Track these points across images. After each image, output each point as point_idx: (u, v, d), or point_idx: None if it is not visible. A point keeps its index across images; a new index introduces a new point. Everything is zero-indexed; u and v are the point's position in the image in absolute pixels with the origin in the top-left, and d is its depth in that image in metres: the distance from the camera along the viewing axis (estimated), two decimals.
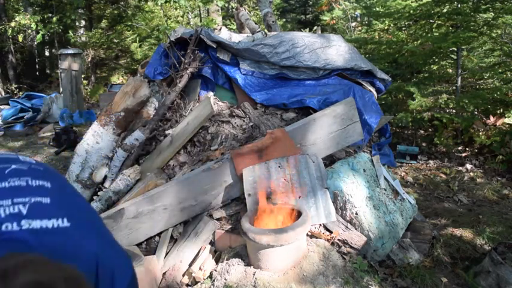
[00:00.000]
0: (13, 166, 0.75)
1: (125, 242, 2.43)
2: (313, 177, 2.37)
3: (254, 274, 2.01)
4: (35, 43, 12.41)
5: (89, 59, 11.70)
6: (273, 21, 4.25)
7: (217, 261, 2.32)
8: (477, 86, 5.66)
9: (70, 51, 8.30)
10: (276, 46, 2.99)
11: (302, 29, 11.25)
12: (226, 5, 12.91)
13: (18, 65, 12.28)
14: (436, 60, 5.67)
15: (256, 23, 4.13)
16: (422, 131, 5.96)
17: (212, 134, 2.94)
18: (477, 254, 2.66)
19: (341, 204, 2.37)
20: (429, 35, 5.39)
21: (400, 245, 2.46)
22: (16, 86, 10.94)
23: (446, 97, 4.94)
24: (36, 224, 0.67)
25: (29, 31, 11.28)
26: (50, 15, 9.87)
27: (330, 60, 3.04)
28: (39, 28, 9.39)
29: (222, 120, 2.99)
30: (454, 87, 5.27)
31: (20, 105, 7.49)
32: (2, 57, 11.75)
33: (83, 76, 10.01)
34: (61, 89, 8.81)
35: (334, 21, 9.85)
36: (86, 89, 11.05)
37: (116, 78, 12.80)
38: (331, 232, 2.29)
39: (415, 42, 5.62)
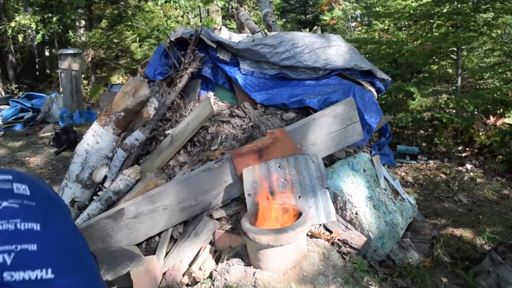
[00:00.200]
0: (4, 204, 0.72)
1: (125, 242, 2.43)
2: (313, 177, 2.37)
3: (254, 274, 2.01)
4: (35, 43, 12.42)
5: (89, 59, 11.70)
6: (273, 21, 4.25)
7: (217, 261, 2.32)
8: (477, 86, 5.66)
9: (70, 51, 8.30)
10: (276, 46, 2.99)
11: (302, 29, 11.25)
12: (226, 5, 12.92)
13: (18, 65, 12.28)
14: (436, 60, 5.67)
15: (256, 23, 4.13)
16: (422, 131, 5.96)
17: (212, 134, 2.94)
18: (477, 254, 2.66)
19: (341, 204, 2.37)
20: (429, 35, 5.39)
21: (400, 245, 2.46)
22: (16, 86, 10.95)
23: (446, 97, 4.94)
24: (19, 275, 0.65)
25: (29, 31, 11.29)
26: (50, 15, 9.88)
27: (330, 60, 3.04)
28: (39, 28, 9.40)
29: (222, 120, 2.99)
30: (454, 87, 5.28)
31: (20, 105, 7.49)
32: (2, 57, 11.75)
33: (83, 76, 10.01)
34: (61, 89, 8.81)
35: (334, 21, 9.85)
36: (86, 89, 11.05)
37: (116, 78, 12.80)
38: (331, 232, 2.29)
39: (415, 42, 5.62)
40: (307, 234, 2.25)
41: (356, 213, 2.34)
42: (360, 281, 2.04)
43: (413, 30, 5.89)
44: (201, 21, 12.07)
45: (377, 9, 6.15)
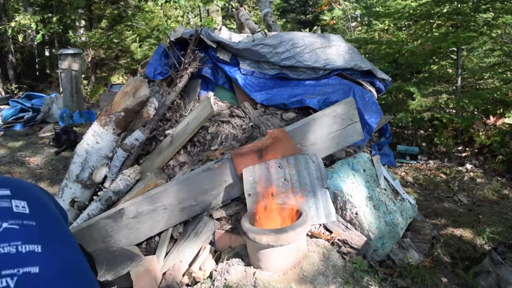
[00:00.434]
0: (4, 225, 0.72)
1: (124, 242, 2.43)
2: (313, 177, 2.37)
3: (254, 274, 2.01)
4: (35, 43, 12.42)
5: (89, 59, 11.70)
6: (273, 21, 4.25)
7: (217, 261, 2.32)
8: (477, 86, 5.66)
9: (70, 51, 8.30)
10: (276, 46, 2.99)
11: (302, 29, 11.25)
12: (226, 5, 12.92)
13: (18, 65, 12.28)
14: (436, 60, 5.68)
15: (256, 23, 4.13)
16: (422, 131, 5.96)
17: (212, 134, 2.94)
18: (477, 254, 2.66)
19: (341, 204, 2.37)
20: (429, 35, 5.39)
21: (400, 245, 2.46)
22: (16, 86, 10.95)
23: (446, 97, 4.94)
24: None
25: (29, 31, 11.29)
26: (50, 15, 9.88)
27: (330, 60, 3.04)
28: (39, 28, 9.40)
29: (222, 120, 2.99)
30: (454, 87, 5.28)
31: (20, 105, 7.49)
32: (2, 57, 11.75)
33: (83, 76, 10.01)
34: (61, 89, 8.81)
35: (334, 21, 9.85)
36: (86, 89, 11.05)
37: (116, 78, 12.80)
38: (331, 232, 2.29)
39: (415, 42, 5.62)
40: (307, 234, 2.25)
41: (356, 213, 2.34)
42: (360, 281, 2.04)
43: (413, 30, 5.89)
44: (201, 21, 12.07)
45: (377, 9, 6.15)
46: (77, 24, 11.76)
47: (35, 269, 0.69)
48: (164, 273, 2.37)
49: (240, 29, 4.48)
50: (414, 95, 4.98)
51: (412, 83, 5.26)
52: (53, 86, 11.76)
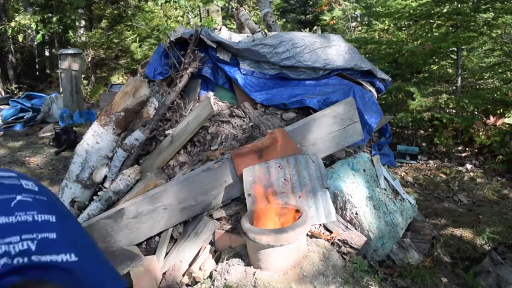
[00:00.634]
0: (18, 198, 0.78)
1: (124, 242, 2.43)
2: (313, 177, 2.37)
3: (254, 274, 2.01)
4: (35, 43, 12.42)
5: (89, 59, 11.70)
6: (273, 21, 4.25)
7: (217, 261, 2.32)
8: (477, 86, 5.66)
9: (70, 51, 8.30)
10: (276, 46, 2.99)
11: (302, 29, 11.25)
12: (226, 5, 12.92)
13: (18, 65, 12.28)
14: (436, 60, 5.68)
15: (256, 23, 4.13)
16: (422, 131, 5.96)
17: (212, 134, 2.94)
18: (477, 254, 2.66)
19: (341, 204, 2.37)
20: (429, 35, 5.39)
21: (400, 245, 2.46)
22: (16, 86, 10.94)
23: (446, 97, 4.94)
24: (46, 258, 0.71)
25: (29, 31, 11.28)
26: (50, 15, 9.88)
27: (330, 60, 3.04)
28: (39, 28, 9.39)
29: (222, 120, 2.99)
30: (454, 87, 5.28)
31: (20, 105, 7.49)
32: (2, 57, 11.75)
33: (83, 76, 10.01)
34: (61, 89, 8.81)
35: (334, 21, 9.85)
36: (86, 89, 11.05)
37: (116, 78, 12.80)
38: (331, 232, 2.29)
39: (415, 42, 5.62)
40: (307, 234, 2.25)
41: (356, 213, 2.34)
42: (360, 281, 2.04)
43: (413, 30, 5.89)
44: (201, 21, 12.07)
45: (377, 9, 6.15)
46: (77, 24, 11.76)
47: (53, 235, 0.75)
48: (164, 273, 2.37)
49: (240, 29, 4.48)
50: (414, 95, 4.98)
51: (412, 83, 5.26)
52: (53, 86, 11.76)
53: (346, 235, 2.26)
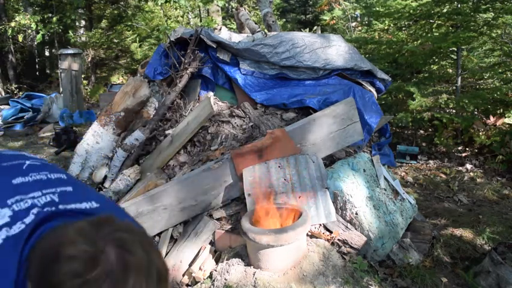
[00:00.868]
0: (27, 162, 0.85)
1: None
2: (313, 177, 2.37)
3: (254, 274, 2.01)
4: (35, 43, 12.41)
5: (89, 59, 11.69)
6: (273, 21, 4.25)
7: (217, 261, 2.32)
8: (477, 86, 5.66)
9: (70, 51, 8.29)
10: (276, 46, 2.99)
11: (302, 29, 11.24)
12: (226, 5, 12.92)
13: (18, 65, 12.27)
14: (436, 60, 5.67)
15: (256, 23, 4.13)
16: (422, 131, 5.96)
17: (212, 134, 2.94)
18: (477, 254, 2.66)
19: (341, 204, 2.37)
20: (429, 35, 5.39)
21: (400, 245, 2.46)
22: (16, 86, 10.93)
23: (446, 97, 4.93)
24: (71, 206, 0.78)
25: (29, 31, 11.28)
26: (50, 15, 9.87)
27: (330, 60, 3.04)
28: (39, 28, 9.39)
29: (222, 120, 2.99)
30: (454, 87, 5.27)
31: (20, 105, 7.49)
32: (2, 57, 11.75)
33: (83, 76, 10.01)
34: (61, 89, 8.81)
35: (334, 21, 9.85)
36: (86, 89, 11.04)
37: (116, 78, 12.79)
38: (331, 232, 2.29)
39: (415, 42, 5.62)
40: (307, 234, 2.25)
41: (356, 213, 2.34)
42: (360, 281, 2.04)
43: (413, 30, 5.88)
44: (201, 21, 12.07)
45: (377, 9, 6.15)
46: (77, 24, 11.75)
47: (69, 188, 0.83)
48: None
49: (240, 29, 4.48)
50: (414, 95, 4.98)
51: (412, 83, 5.26)
52: (53, 86, 11.75)
53: (346, 235, 2.26)
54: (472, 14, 4.87)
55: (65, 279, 0.60)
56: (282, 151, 2.50)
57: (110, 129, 3.06)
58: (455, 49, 5.09)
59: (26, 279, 0.66)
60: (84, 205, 0.80)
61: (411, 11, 5.32)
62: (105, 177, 3.00)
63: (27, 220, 0.71)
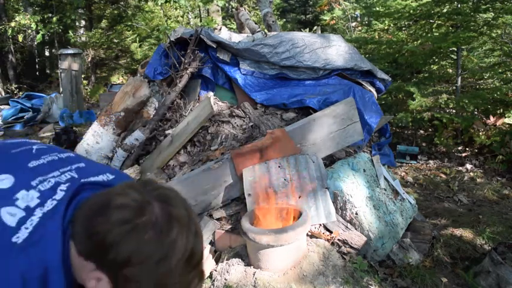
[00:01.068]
0: (35, 147, 0.88)
1: None
2: (313, 177, 2.37)
3: (254, 274, 2.01)
4: (35, 43, 12.41)
5: (89, 59, 11.69)
6: (273, 21, 4.25)
7: (217, 261, 2.32)
8: (477, 86, 5.66)
9: (70, 51, 8.29)
10: (276, 46, 2.99)
11: (302, 29, 11.24)
12: (226, 5, 12.92)
13: (18, 65, 12.27)
14: (436, 60, 5.67)
15: (256, 23, 4.13)
16: (422, 131, 5.96)
17: (212, 134, 2.94)
18: (477, 254, 2.66)
19: (341, 204, 2.37)
20: (429, 35, 5.39)
21: (400, 245, 2.46)
22: (16, 86, 10.93)
23: (446, 97, 4.93)
24: (91, 180, 0.82)
25: (29, 31, 11.28)
26: (50, 15, 9.87)
27: (330, 60, 3.04)
28: (39, 28, 9.38)
29: (222, 120, 2.99)
30: (454, 87, 5.27)
31: (20, 105, 7.48)
32: (2, 57, 11.75)
33: (83, 76, 10.00)
34: (61, 89, 8.80)
35: (334, 21, 9.84)
36: (86, 89, 11.04)
37: (116, 78, 12.79)
38: (331, 232, 2.29)
39: (415, 42, 5.62)
40: (307, 234, 2.25)
41: (356, 213, 2.34)
42: (360, 281, 2.04)
43: (413, 30, 5.88)
44: (201, 21, 12.07)
45: (377, 9, 6.15)
46: (77, 24, 11.75)
47: (82, 164, 0.87)
48: None
49: (240, 29, 4.48)
50: (414, 95, 4.98)
51: (412, 83, 5.26)
52: (53, 86, 11.75)
53: (346, 235, 2.26)
54: (472, 14, 4.87)
55: (113, 227, 0.67)
56: (282, 151, 2.50)
57: (110, 129, 3.06)
58: (455, 49, 5.09)
59: (69, 240, 0.71)
60: (101, 177, 0.85)
61: (411, 11, 5.32)
62: None
63: (58, 197, 0.75)
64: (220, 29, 3.46)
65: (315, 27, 10.73)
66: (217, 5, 10.06)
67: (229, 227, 2.44)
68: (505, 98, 4.92)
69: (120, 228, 0.67)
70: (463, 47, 5.21)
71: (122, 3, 11.98)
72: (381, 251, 2.33)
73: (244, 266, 2.10)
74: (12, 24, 9.52)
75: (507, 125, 4.93)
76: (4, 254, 0.66)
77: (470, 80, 5.70)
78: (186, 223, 0.71)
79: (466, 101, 4.78)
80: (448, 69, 5.94)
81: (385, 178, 2.69)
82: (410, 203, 2.73)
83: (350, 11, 8.94)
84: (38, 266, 0.67)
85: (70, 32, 10.46)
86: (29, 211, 0.72)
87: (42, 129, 7.09)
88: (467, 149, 5.20)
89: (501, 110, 5.10)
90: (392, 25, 6.38)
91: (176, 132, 2.90)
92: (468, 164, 4.83)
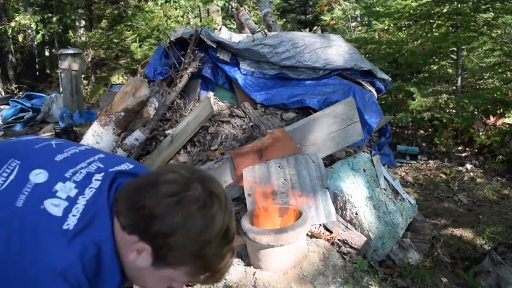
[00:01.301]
0: (53, 142, 0.91)
1: None
2: (313, 177, 2.37)
3: (254, 274, 2.01)
4: (35, 43, 12.41)
5: (89, 59, 11.69)
6: (273, 21, 4.25)
7: None
8: (477, 86, 5.66)
9: (70, 51, 8.29)
10: (276, 46, 2.99)
11: (302, 29, 11.24)
12: (226, 5, 12.92)
13: (18, 65, 12.27)
14: (436, 60, 5.67)
15: (256, 23, 4.13)
16: (422, 131, 5.96)
17: (212, 134, 2.94)
18: (477, 254, 2.66)
19: (341, 204, 2.37)
20: (429, 35, 5.39)
21: (400, 245, 2.46)
22: (16, 86, 10.93)
23: (446, 97, 4.93)
24: (115, 169, 0.86)
25: (29, 31, 11.27)
26: (50, 15, 9.87)
27: (330, 60, 3.04)
28: (39, 28, 9.38)
29: (222, 120, 2.99)
30: (454, 87, 5.27)
31: (20, 105, 7.48)
32: (2, 57, 11.75)
33: (83, 76, 10.00)
34: (61, 89, 8.80)
35: (334, 21, 9.84)
36: (86, 89, 11.04)
37: (116, 78, 12.79)
38: (331, 232, 2.29)
39: (415, 42, 5.62)
40: (307, 234, 2.25)
41: (356, 213, 2.34)
42: (360, 281, 2.04)
43: (413, 30, 5.88)
44: (201, 21, 12.07)
45: (377, 9, 6.14)
46: (77, 24, 11.75)
47: (102, 155, 0.90)
48: None
49: (240, 29, 4.48)
50: (414, 95, 4.98)
51: (412, 83, 5.25)
52: (53, 86, 11.75)
53: (346, 235, 2.26)
54: (472, 14, 4.87)
55: (161, 199, 0.73)
56: (282, 151, 2.50)
57: (110, 129, 3.06)
58: (455, 49, 5.09)
59: (113, 217, 0.77)
60: (123, 166, 0.88)
61: (411, 11, 5.31)
62: None
63: (94, 185, 0.80)
64: (220, 29, 3.46)
65: (315, 27, 10.74)
66: (217, 5, 10.06)
67: None
68: (505, 98, 4.92)
69: (167, 200, 0.73)
70: (463, 47, 5.21)
71: (122, 3, 11.98)
72: (381, 251, 2.33)
73: (244, 266, 2.10)
74: (12, 24, 9.52)
75: (507, 125, 4.93)
76: (60, 242, 0.71)
77: (470, 80, 5.70)
78: (223, 202, 0.79)
79: (466, 101, 4.78)
80: (448, 69, 5.94)
81: (385, 178, 2.69)
82: (410, 203, 2.73)
83: (350, 11, 8.94)
84: (93, 246, 0.73)
85: (70, 32, 10.46)
86: (71, 200, 0.77)
87: (42, 129, 7.08)
88: (467, 149, 5.20)
89: (501, 110, 5.10)
90: (392, 25, 6.37)
91: (176, 132, 2.90)
92: (468, 164, 4.83)
